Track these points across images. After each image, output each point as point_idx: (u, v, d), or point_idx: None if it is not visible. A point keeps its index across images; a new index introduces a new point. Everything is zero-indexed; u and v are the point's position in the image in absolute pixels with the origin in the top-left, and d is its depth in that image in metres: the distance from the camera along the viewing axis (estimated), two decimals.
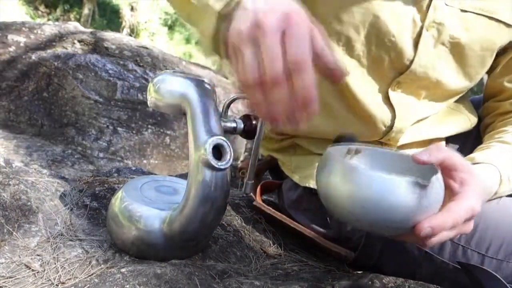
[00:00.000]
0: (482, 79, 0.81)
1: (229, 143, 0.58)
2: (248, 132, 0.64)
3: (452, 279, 0.70)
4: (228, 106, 0.65)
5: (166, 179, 0.72)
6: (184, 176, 1.05)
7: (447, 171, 0.55)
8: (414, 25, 0.70)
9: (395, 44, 0.70)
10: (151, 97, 0.61)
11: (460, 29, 0.70)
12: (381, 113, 0.74)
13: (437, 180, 0.50)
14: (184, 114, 0.59)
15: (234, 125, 0.63)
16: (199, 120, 0.58)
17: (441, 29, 0.70)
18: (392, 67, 0.72)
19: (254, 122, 0.64)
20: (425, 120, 0.79)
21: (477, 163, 0.68)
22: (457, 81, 0.75)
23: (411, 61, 0.71)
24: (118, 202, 0.62)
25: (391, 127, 0.74)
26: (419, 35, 0.70)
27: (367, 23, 0.69)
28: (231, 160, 0.58)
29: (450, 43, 0.71)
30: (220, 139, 0.57)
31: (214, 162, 0.56)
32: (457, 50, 0.71)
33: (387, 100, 0.74)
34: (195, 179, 0.57)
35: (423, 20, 0.69)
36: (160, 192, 0.66)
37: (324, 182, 0.53)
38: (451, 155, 0.55)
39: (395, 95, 0.74)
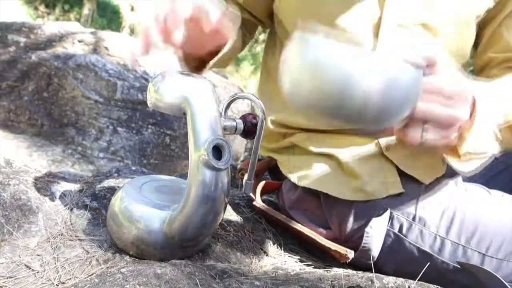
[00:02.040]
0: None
1: (229, 143, 0.58)
2: (248, 132, 0.64)
3: (452, 279, 0.70)
4: (228, 106, 0.65)
5: (166, 179, 0.72)
6: (184, 176, 1.05)
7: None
8: (373, 15, 0.71)
9: (354, 39, 0.72)
10: (151, 97, 0.61)
11: (425, 11, 0.70)
12: None
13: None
14: (184, 114, 0.59)
15: (234, 125, 0.63)
16: (199, 120, 0.58)
17: (402, 14, 0.70)
18: None
19: (254, 122, 0.64)
20: None
21: None
22: None
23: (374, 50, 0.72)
24: (118, 202, 0.62)
25: None
26: (379, 24, 0.71)
27: (323, 25, 0.72)
28: (231, 160, 0.58)
29: (416, 26, 0.71)
30: (220, 139, 0.57)
31: (214, 162, 0.56)
32: (428, 31, 0.71)
33: None
34: (195, 179, 0.57)
35: (381, 9, 0.71)
36: (160, 192, 0.66)
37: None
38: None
39: None
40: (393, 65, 0.44)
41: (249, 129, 0.64)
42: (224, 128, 0.62)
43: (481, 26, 0.77)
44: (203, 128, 0.57)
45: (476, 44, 0.79)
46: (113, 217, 0.62)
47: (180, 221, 0.58)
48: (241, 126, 0.64)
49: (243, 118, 0.65)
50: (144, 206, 0.60)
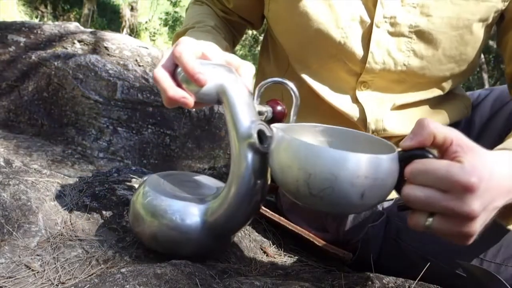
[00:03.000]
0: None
1: (269, 126, 0.57)
2: (276, 118, 0.63)
3: (451, 284, 0.70)
4: (260, 91, 0.63)
5: (181, 173, 0.72)
6: None
7: (444, 147, 0.43)
8: (363, 25, 0.70)
9: (344, 50, 0.70)
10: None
11: (419, 17, 0.68)
12: (354, 113, 0.75)
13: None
14: (218, 101, 0.59)
15: (265, 110, 0.62)
16: (239, 107, 0.56)
17: (395, 22, 0.69)
18: (350, 70, 0.73)
19: (279, 108, 0.63)
20: (416, 109, 0.78)
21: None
22: (439, 66, 0.73)
23: (366, 60, 0.71)
24: (141, 198, 0.61)
25: (366, 125, 0.76)
26: (370, 33, 0.69)
27: (311, 38, 0.72)
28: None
29: (411, 32, 0.69)
30: (262, 124, 0.57)
31: (260, 146, 0.55)
32: (423, 37, 0.70)
33: (357, 100, 0.75)
34: (241, 165, 0.56)
35: (372, 17, 0.69)
36: (186, 187, 0.65)
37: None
38: (442, 128, 0.43)
39: (362, 95, 0.75)
40: (344, 159, 0.44)
41: (277, 115, 0.63)
42: (259, 113, 0.61)
43: (504, 30, 0.73)
44: (244, 115, 0.56)
45: (503, 51, 0.75)
46: (144, 214, 0.60)
47: (225, 210, 0.57)
48: (270, 112, 0.63)
49: (270, 104, 0.64)
50: (178, 200, 0.59)
